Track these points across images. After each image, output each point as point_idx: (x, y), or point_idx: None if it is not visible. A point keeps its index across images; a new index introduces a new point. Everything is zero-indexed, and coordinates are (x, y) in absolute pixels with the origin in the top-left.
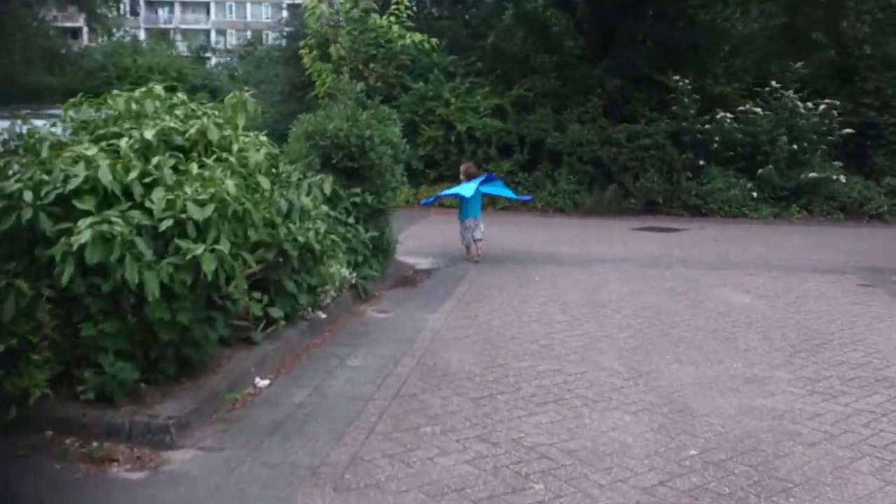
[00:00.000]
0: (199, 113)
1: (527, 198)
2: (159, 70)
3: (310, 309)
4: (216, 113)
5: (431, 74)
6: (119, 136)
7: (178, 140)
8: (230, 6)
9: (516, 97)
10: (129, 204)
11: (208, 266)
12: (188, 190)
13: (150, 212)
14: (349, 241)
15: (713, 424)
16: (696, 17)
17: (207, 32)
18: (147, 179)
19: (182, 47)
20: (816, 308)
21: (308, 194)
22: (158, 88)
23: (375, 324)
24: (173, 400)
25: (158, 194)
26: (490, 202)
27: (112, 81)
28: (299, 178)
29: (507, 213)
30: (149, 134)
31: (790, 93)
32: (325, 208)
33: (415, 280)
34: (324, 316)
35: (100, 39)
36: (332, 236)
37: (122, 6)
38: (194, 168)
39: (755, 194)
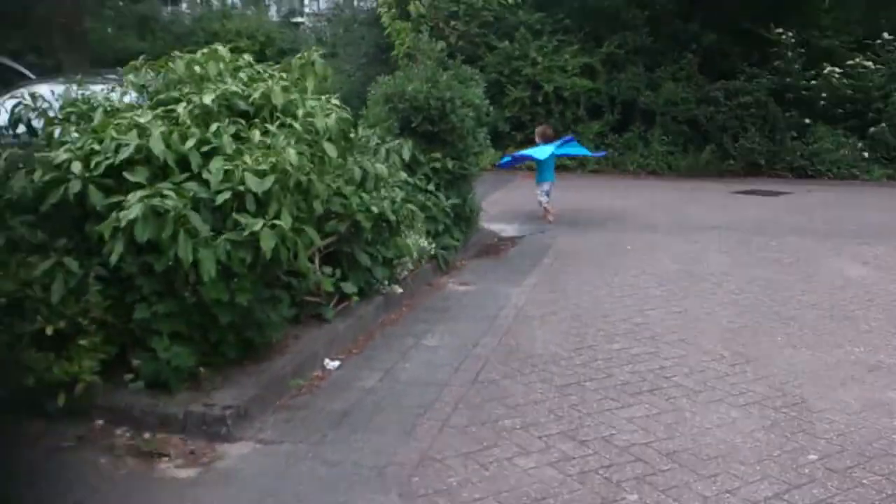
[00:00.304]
0: (266, 76)
1: (601, 153)
2: (248, 34)
3: (386, 283)
4: (283, 76)
5: (517, 33)
6: (178, 101)
7: (242, 105)
8: None
9: (606, 55)
10: (185, 175)
11: (268, 243)
12: (248, 160)
13: (207, 183)
14: (429, 209)
15: (835, 422)
16: None
17: None
18: (205, 148)
19: (273, 11)
20: None
21: (386, 160)
22: (223, 50)
23: (456, 298)
24: (233, 386)
25: (216, 164)
26: (579, 164)
27: (201, 46)
28: (377, 144)
29: (596, 177)
30: (208, 99)
31: None
32: (403, 175)
33: (499, 249)
34: (400, 290)
35: (199, 6)
36: (410, 205)
37: None
38: (256, 135)
39: (866, 154)
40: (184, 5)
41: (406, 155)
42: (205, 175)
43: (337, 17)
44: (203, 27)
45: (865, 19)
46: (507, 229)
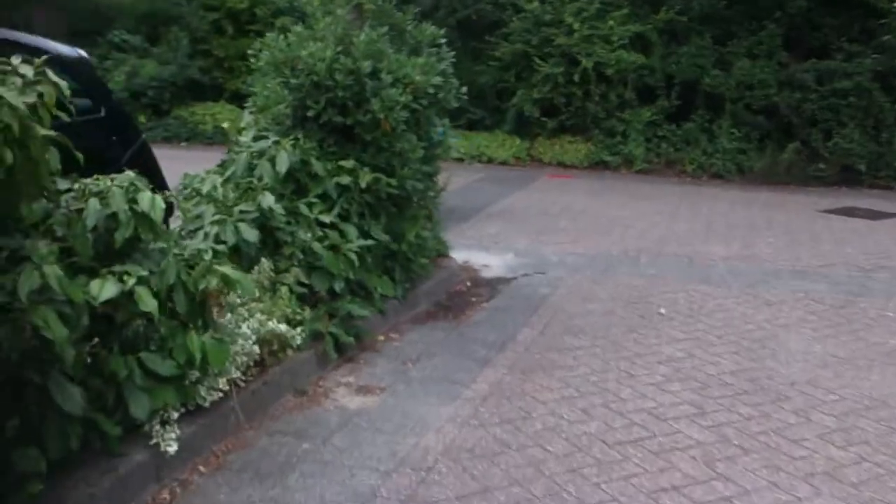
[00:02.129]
0: None
1: None
2: None
3: (161, 427)
4: None
5: None
6: None
7: None
8: None
9: (664, 23)
10: None
11: None
12: None
13: None
14: (316, 256)
15: None
16: None
17: None
18: None
19: None
20: None
21: (245, 174)
22: None
23: (321, 437)
24: None
25: None
26: (623, 162)
27: (180, 2)
28: (252, 142)
29: (643, 179)
30: None
31: None
32: (267, 200)
33: (465, 304)
34: (173, 448)
35: None
36: (231, 270)
37: None
38: None
39: None
40: None
41: (283, 164)
42: None
43: None
44: None
45: None
46: (495, 264)
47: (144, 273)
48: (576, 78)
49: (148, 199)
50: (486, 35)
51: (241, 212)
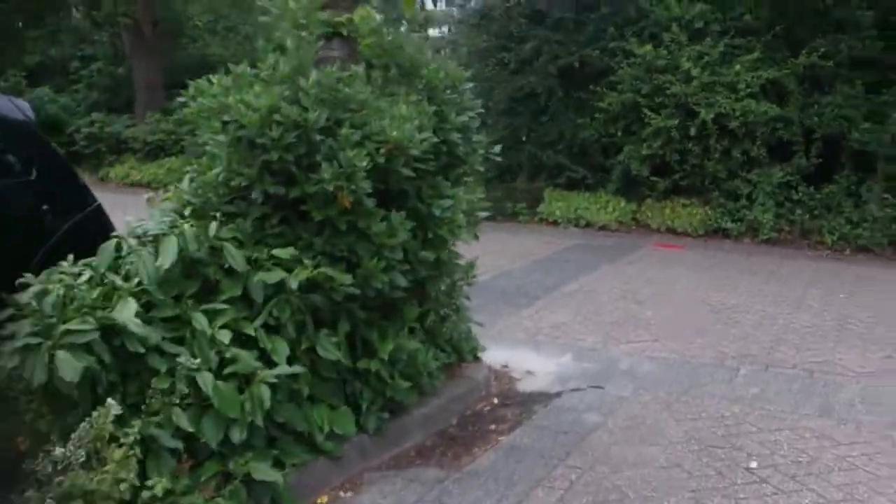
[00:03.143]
0: None
1: None
2: None
3: None
4: None
5: (667, 33)
6: None
7: None
8: None
9: (804, 68)
10: None
11: None
12: None
13: None
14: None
15: None
16: None
17: None
18: None
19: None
20: None
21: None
22: None
23: None
24: None
25: None
26: (748, 229)
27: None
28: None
29: (768, 252)
30: None
31: None
32: (128, 309)
33: (479, 434)
34: None
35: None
36: None
37: None
38: None
39: None
40: None
41: (169, 256)
42: None
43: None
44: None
45: None
46: (542, 370)
47: None
48: (692, 131)
49: None
50: (592, 84)
51: (68, 332)
